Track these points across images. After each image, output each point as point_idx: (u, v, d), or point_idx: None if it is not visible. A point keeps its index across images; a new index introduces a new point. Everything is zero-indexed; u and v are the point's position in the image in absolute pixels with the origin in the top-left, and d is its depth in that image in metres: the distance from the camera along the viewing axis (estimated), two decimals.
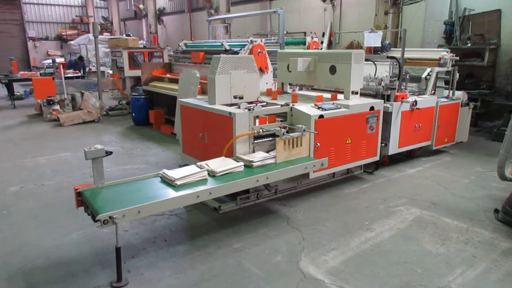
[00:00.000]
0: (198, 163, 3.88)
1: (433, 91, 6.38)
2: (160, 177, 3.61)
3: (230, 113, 4.20)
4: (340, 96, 5.21)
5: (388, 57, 5.56)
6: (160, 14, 20.83)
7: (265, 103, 4.97)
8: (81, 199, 3.23)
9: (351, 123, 4.82)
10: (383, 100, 5.22)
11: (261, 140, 4.39)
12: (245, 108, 4.37)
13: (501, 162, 4.26)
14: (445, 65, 6.52)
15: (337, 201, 4.60)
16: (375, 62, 5.90)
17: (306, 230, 3.85)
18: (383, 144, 5.61)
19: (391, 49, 7.71)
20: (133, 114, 8.92)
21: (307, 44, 8.27)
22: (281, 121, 4.67)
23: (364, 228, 3.90)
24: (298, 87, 6.40)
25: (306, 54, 5.60)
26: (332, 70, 5.23)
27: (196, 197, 3.29)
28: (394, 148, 5.70)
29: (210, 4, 13.77)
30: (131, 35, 22.88)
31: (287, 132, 4.27)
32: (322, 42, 13.48)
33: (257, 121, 4.51)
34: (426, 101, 5.97)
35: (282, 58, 6.00)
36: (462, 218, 4.13)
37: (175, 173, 3.50)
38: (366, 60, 6.21)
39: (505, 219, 3.97)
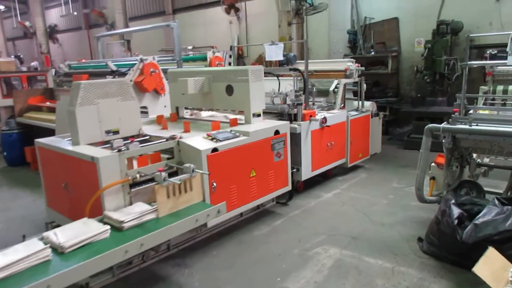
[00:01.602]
0: (45, 234, 2.80)
1: (342, 105, 5.97)
2: None
3: (92, 157, 3.19)
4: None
5: (291, 69, 4.98)
6: (52, 31, 18.69)
7: (148, 137, 4.03)
8: None
9: (254, 153, 4.07)
10: (289, 121, 4.58)
11: (141, 187, 3.44)
12: (116, 148, 3.40)
13: (419, 184, 3.81)
14: (352, 76, 6.18)
15: (244, 249, 3.79)
16: (279, 77, 5.29)
17: None
18: (294, 170, 4.98)
19: (297, 61, 7.24)
20: (5, 153, 7.31)
21: (208, 59, 7.48)
22: (168, 158, 3.77)
23: None
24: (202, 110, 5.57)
25: (199, 73, 4.80)
26: (229, 90, 4.48)
27: None
28: (307, 172, 5.10)
29: (104, 19, 12.40)
30: (21, 56, 20.27)
31: (172, 174, 3.39)
32: (230, 56, 12.93)
33: (135, 162, 3.54)
34: (336, 116, 5.50)
35: (173, 78, 5.12)
36: (386, 254, 3.57)
37: None
38: (268, 73, 5.63)
39: (430, 250, 3.48)
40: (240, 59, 12.47)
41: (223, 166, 3.74)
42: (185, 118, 5.41)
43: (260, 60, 11.82)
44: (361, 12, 9.42)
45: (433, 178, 4.08)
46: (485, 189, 3.99)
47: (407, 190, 5.16)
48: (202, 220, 3.22)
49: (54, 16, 20.38)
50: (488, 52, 5.74)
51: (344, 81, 6.02)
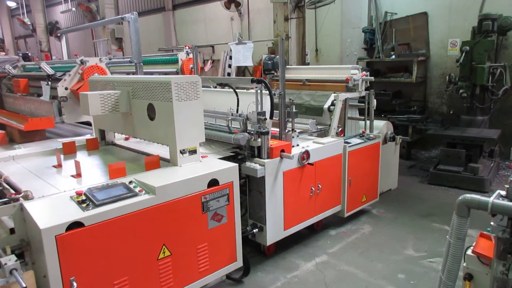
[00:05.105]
0: None
1: (340, 129, 4.29)
2: None
3: None
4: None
5: (253, 81, 3.36)
6: (52, 29, 17.77)
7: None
8: None
9: (166, 220, 2.49)
10: (237, 164, 2.96)
11: None
12: None
13: None
14: (356, 88, 4.49)
15: None
16: (236, 90, 3.68)
17: None
18: (255, 230, 3.37)
19: (292, 66, 5.62)
20: None
21: (180, 63, 5.96)
22: (11, 231, 2.26)
23: None
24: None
25: (118, 84, 3.28)
26: (151, 111, 2.95)
27: None
28: (276, 232, 3.46)
29: (92, 15, 11.16)
30: (30, 54, 19.60)
31: None
32: (230, 58, 11.37)
33: None
34: (326, 148, 3.84)
35: (96, 89, 3.64)
36: None
37: None
38: (222, 85, 4.07)
39: None
40: None
41: (98, 250, 2.18)
42: (116, 144, 3.93)
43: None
44: (381, 6, 7.64)
45: (469, 276, 2.38)
46: None
47: (427, 265, 3.43)
48: None
49: (59, 13, 19.60)
50: None
51: (344, 95, 4.34)
